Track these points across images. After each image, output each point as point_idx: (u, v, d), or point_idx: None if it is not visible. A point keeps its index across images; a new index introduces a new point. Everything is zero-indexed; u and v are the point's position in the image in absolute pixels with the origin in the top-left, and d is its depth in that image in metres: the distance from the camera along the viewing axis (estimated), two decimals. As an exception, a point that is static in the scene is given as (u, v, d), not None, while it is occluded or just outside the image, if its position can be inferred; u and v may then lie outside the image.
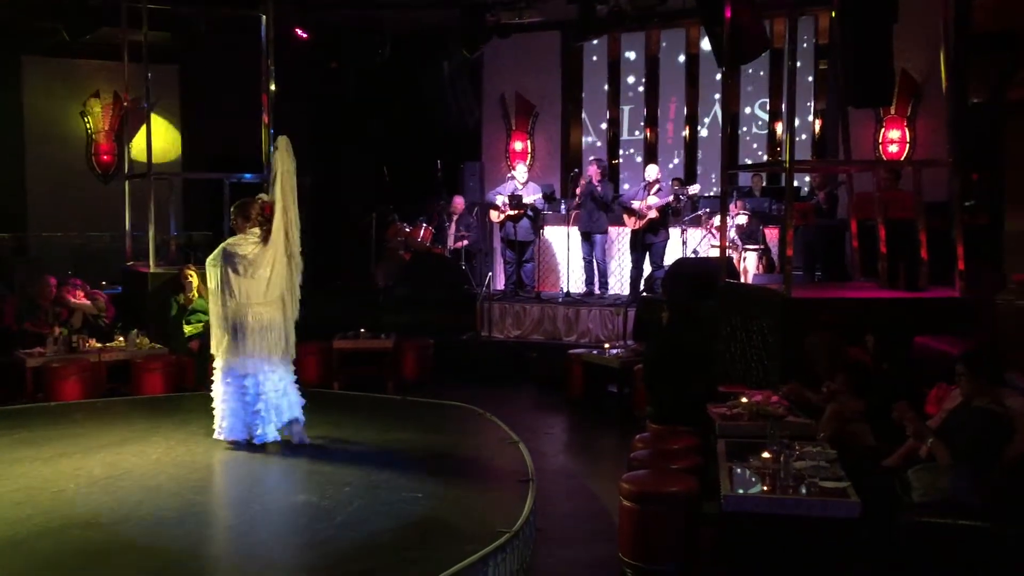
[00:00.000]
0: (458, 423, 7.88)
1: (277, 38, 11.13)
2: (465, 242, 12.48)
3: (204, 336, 9.24)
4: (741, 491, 4.41)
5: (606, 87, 13.89)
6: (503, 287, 12.22)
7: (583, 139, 13.96)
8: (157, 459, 6.44)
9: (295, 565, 4.56)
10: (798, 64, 9.57)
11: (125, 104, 12.01)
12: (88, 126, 14.10)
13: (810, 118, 12.86)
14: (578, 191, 11.33)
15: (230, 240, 6.85)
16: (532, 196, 11.47)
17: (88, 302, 9.75)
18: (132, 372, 9.06)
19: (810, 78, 12.73)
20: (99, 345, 9.24)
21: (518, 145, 13.65)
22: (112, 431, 7.09)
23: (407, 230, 12.32)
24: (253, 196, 6.97)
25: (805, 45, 12.40)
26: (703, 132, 13.44)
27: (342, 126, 14.67)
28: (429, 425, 7.69)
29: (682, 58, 13.52)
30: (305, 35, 12.83)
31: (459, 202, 12.63)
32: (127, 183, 11.52)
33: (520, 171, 11.87)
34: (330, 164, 14.89)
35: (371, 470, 6.25)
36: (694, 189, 11.31)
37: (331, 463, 6.39)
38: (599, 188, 11.22)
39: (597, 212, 11.24)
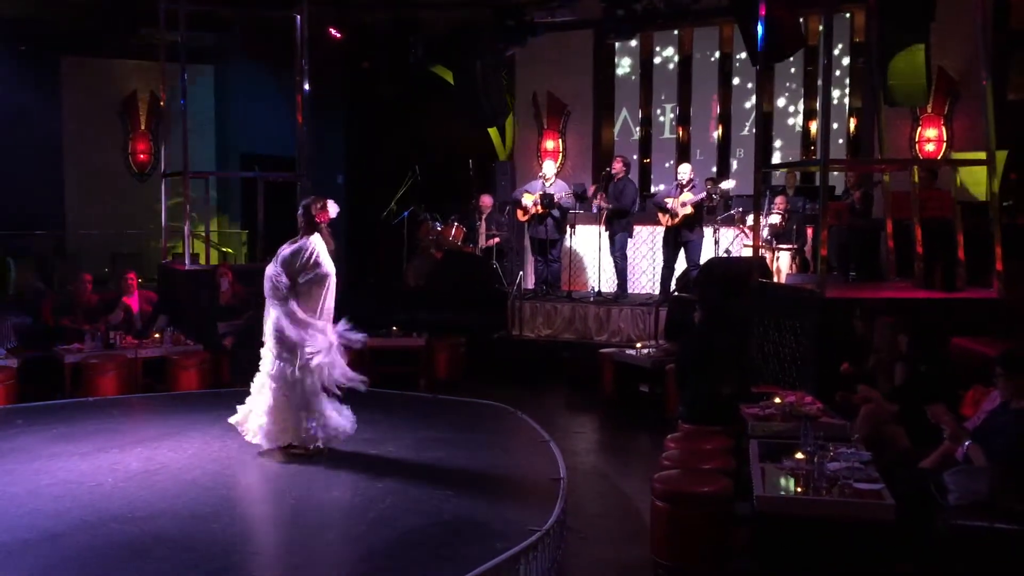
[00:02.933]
0: (489, 422, 7.89)
1: (311, 38, 11.23)
2: (496, 240, 12.50)
3: (238, 333, 9.38)
4: (774, 492, 4.39)
5: (639, 86, 13.84)
6: (534, 286, 12.21)
7: (615, 138, 13.92)
8: (193, 454, 6.52)
9: (327, 561, 4.59)
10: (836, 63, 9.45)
11: (161, 104, 12.16)
12: (125, 125, 14.30)
13: (845, 116, 12.72)
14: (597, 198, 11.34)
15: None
16: (558, 194, 11.43)
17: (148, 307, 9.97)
18: (168, 369, 9.18)
19: (838, 73, 12.58)
20: (135, 342, 9.37)
21: (549, 144, 13.65)
22: (148, 427, 7.20)
23: (439, 229, 12.37)
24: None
25: (841, 45, 12.27)
26: (736, 131, 13.34)
27: (375, 125, 14.76)
28: (461, 423, 7.72)
29: (716, 56, 13.44)
30: (339, 35, 12.92)
31: (487, 201, 12.65)
32: (164, 182, 11.67)
33: (548, 168, 11.86)
34: (363, 163, 15.00)
35: (403, 468, 6.29)
36: (727, 185, 11.22)
37: (364, 460, 6.43)
38: (618, 183, 11.15)
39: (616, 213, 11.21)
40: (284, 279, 6.35)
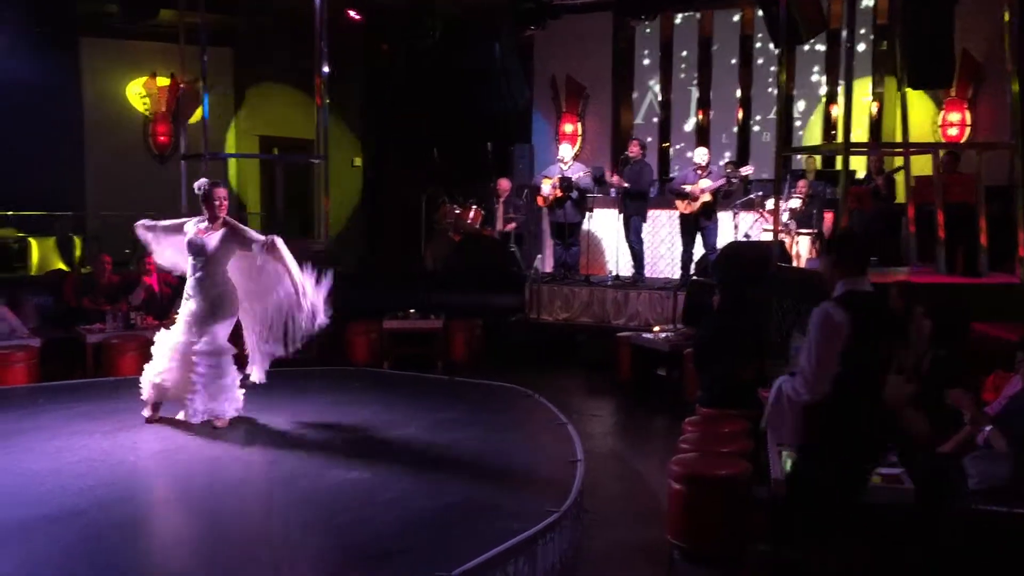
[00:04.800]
0: (506, 404, 7.90)
1: (330, 21, 11.21)
2: (514, 224, 12.48)
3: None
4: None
5: (658, 69, 13.76)
6: (552, 269, 12.20)
7: (634, 122, 13.85)
8: (213, 433, 6.56)
9: (341, 542, 4.61)
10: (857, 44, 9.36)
11: (181, 86, 12.19)
12: (145, 107, 14.35)
13: (867, 100, 12.60)
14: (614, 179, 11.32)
15: None
16: (576, 176, 11.40)
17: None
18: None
19: (860, 53, 12.46)
20: (156, 322, 9.43)
21: (568, 127, 13.61)
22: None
23: (456, 212, 12.37)
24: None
25: (863, 30, 12.14)
26: (757, 114, 13.25)
27: (393, 108, 14.75)
28: (477, 405, 7.73)
29: (736, 39, 13.34)
30: (358, 17, 12.90)
31: (505, 184, 12.63)
32: (183, 164, 11.71)
33: (566, 151, 11.83)
34: (381, 146, 15.00)
35: (419, 448, 6.30)
36: (747, 171, 11.16)
37: (380, 441, 6.46)
38: (634, 166, 11.12)
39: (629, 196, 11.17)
40: None
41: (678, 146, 13.65)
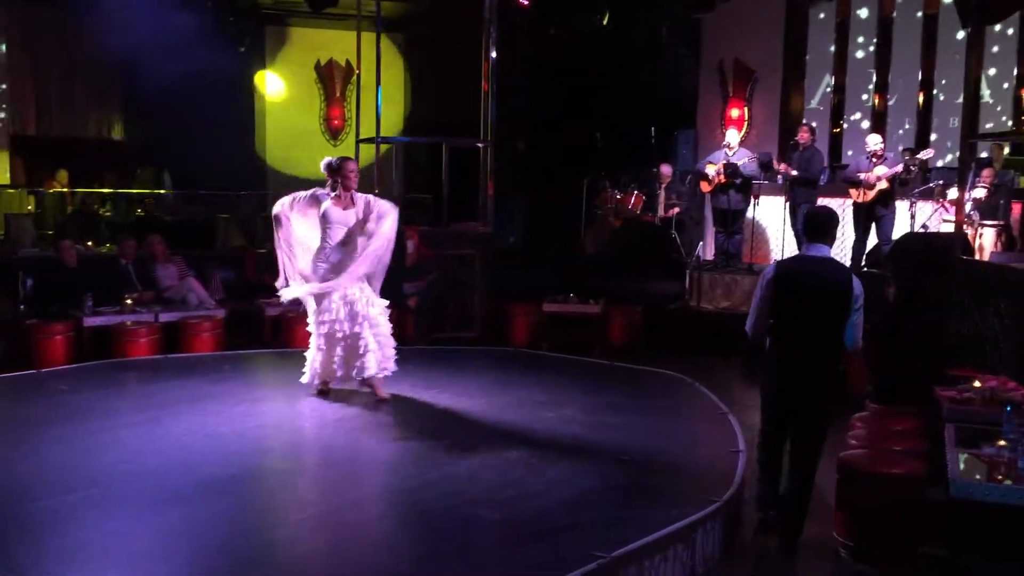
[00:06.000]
0: (665, 391, 7.86)
1: (498, 5, 11.37)
2: (676, 210, 12.34)
3: (422, 294, 9.75)
4: (971, 478, 4.17)
5: (832, 50, 13.23)
6: (713, 257, 11.99)
7: (804, 106, 13.39)
8: (378, 406, 6.83)
9: (504, 518, 4.71)
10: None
11: (356, 72, 12.66)
12: (321, 92, 15.01)
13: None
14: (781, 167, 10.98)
15: None
16: (741, 161, 11.14)
17: None
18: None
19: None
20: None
21: (735, 112, 13.30)
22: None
23: (618, 197, 12.34)
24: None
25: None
26: (939, 99, 12.55)
27: (558, 92, 14.82)
28: (636, 391, 7.72)
29: (919, 16, 12.65)
30: (525, 2, 13.02)
31: (667, 170, 12.49)
32: (356, 147, 12.19)
33: (732, 137, 11.57)
34: (545, 130, 15.10)
35: (578, 430, 6.37)
36: (926, 154, 10.57)
37: (539, 421, 6.57)
38: (804, 152, 10.75)
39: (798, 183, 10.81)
40: None
41: (854, 129, 13.10)
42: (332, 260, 6.77)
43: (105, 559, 4.09)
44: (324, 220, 6.78)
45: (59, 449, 5.62)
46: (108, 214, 13.70)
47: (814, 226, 5.02)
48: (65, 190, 13.73)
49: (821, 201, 11.26)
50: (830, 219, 5.03)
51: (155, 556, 4.16)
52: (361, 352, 6.71)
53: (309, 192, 6.95)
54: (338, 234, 6.77)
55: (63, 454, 5.52)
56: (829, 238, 4.98)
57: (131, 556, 4.15)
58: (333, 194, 6.81)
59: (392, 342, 6.98)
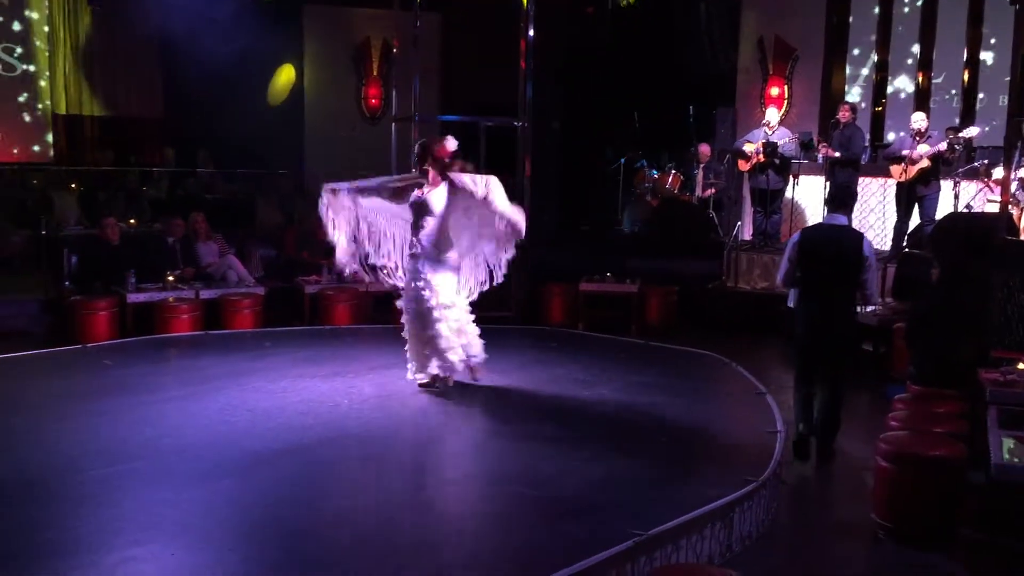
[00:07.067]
0: (702, 370, 7.85)
1: (537, -16, 11.29)
2: (714, 190, 12.25)
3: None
4: (1014, 462, 4.14)
5: (875, 28, 13.00)
6: (751, 237, 11.89)
7: (846, 85, 13.18)
8: (416, 384, 6.88)
9: (542, 495, 4.75)
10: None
11: (394, 51, 12.68)
12: (359, 71, 15.05)
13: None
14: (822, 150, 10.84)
15: None
16: (780, 141, 11.01)
17: None
18: (394, 304, 9.71)
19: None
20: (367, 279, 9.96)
21: (774, 91, 13.12)
22: (379, 355, 7.66)
23: (655, 176, 12.27)
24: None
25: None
26: (984, 76, 12.28)
27: (595, 71, 14.73)
28: (673, 370, 7.71)
29: (965, -6, 12.38)
30: (563, -20, 12.93)
31: (705, 149, 12.39)
32: (393, 126, 12.22)
33: (771, 115, 11.44)
34: (582, 109, 15.03)
35: (615, 409, 6.40)
36: (971, 132, 10.37)
37: (576, 399, 6.60)
38: (844, 131, 10.61)
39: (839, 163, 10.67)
40: None
41: (899, 109, 12.88)
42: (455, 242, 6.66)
43: (155, 528, 4.19)
44: (421, 208, 6.53)
45: (105, 421, 5.76)
46: (150, 192, 13.87)
47: (834, 198, 6.33)
48: (108, 168, 13.93)
49: (862, 180, 11.13)
50: (849, 193, 6.60)
51: (203, 526, 4.25)
52: (443, 348, 6.58)
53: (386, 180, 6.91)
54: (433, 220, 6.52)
55: (109, 427, 5.65)
56: (847, 209, 6.17)
57: (181, 525, 4.25)
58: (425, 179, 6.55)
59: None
